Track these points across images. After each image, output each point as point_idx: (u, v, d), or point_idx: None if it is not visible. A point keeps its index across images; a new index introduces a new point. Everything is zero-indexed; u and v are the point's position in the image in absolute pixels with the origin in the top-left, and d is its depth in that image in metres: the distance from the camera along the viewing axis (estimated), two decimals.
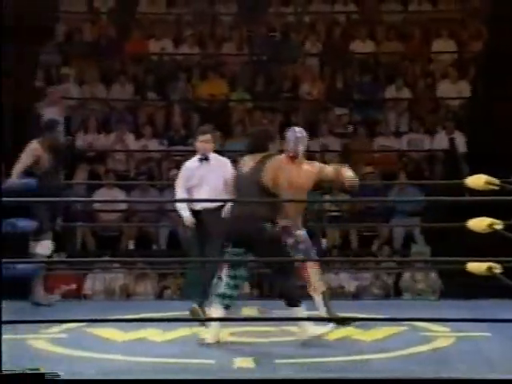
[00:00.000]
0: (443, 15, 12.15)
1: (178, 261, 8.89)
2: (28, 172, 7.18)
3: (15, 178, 7.13)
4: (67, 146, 10.23)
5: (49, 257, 7.31)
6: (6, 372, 4.35)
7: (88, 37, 11.97)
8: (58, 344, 5.64)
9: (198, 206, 6.47)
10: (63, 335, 5.87)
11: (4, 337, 5.62)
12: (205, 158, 6.52)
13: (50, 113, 10.22)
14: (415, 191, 9.86)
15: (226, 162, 6.59)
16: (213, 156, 6.57)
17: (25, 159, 7.21)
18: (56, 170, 7.39)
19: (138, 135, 10.81)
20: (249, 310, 6.73)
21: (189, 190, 6.51)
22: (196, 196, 6.48)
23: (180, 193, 6.52)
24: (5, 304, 7.05)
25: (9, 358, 5.21)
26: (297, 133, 6.10)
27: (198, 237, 6.55)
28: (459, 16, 12.11)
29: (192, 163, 6.58)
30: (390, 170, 10.37)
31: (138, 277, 9.20)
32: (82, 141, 10.69)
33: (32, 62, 11.33)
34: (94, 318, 5.89)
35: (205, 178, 6.47)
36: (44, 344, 5.66)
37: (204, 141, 6.53)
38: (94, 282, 9.12)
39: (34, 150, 7.25)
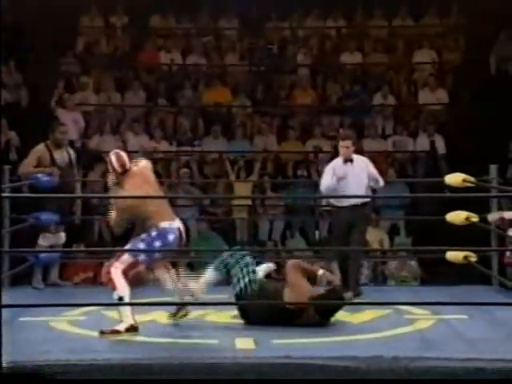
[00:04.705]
0: (424, 29, 12.13)
1: (185, 251, 8.85)
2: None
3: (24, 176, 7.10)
4: (80, 146, 10.22)
5: (64, 246, 7.29)
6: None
7: (105, 49, 11.95)
8: (76, 325, 5.60)
9: (346, 203, 6.55)
10: (82, 317, 5.83)
11: (28, 319, 5.64)
12: (349, 160, 6.57)
13: (67, 118, 10.20)
14: (400, 188, 9.81)
15: (367, 161, 6.73)
16: (355, 157, 6.64)
17: (29, 160, 7.18)
18: (70, 167, 7.32)
19: (150, 137, 10.76)
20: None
21: (335, 189, 6.56)
22: (344, 193, 6.55)
23: (327, 186, 6.57)
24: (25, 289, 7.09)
25: (32, 337, 5.21)
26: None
27: (345, 230, 6.59)
28: (439, 30, 12.09)
29: (337, 164, 6.66)
30: (377, 169, 10.32)
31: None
32: (98, 143, 10.64)
33: (55, 72, 11.30)
34: (108, 302, 5.83)
35: (351, 178, 6.54)
36: (64, 325, 5.62)
37: (345, 146, 6.61)
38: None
39: (36, 151, 7.20)
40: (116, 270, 5.30)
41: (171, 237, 5.37)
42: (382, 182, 6.78)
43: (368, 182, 6.68)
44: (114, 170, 5.49)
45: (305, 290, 5.53)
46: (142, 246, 5.36)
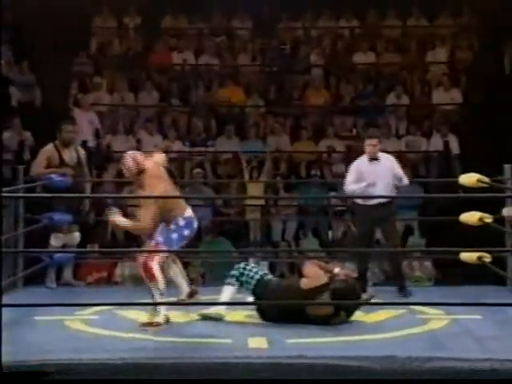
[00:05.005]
0: (437, 29, 12.12)
1: (194, 251, 8.86)
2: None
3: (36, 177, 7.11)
4: (94, 146, 10.25)
5: (78, 246, 7.32)
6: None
7: (118, 49, 11.99)
8: (90, 324, 5.63)
9: (372, 201, 6.58)
10: (95, 317, 5.86)
11: (43, 318, 5.67)
12: (375, 159, 6.61)
13: (83, 118, 10.24)
14: (413, 188, 9.78)
15: (392, 159, 6.76)
16: (381, 155, 6.69)
17: (39, 160, 7.19)
18: (79, 167, 7.31)
19: (164, 137, 10.79)
20: None
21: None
22: (371, 193, 6.58)
23: (351, 188, 6.63)
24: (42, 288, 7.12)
25: (41, 336, 5.24)
26: None
27: (369, 228, 6.63)
28: (452, 30, 12.07)
29: (362, 163, 6.69)
30: None
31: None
32: (111, 143, 10.68)
33: (67, 72, 11.35)
34: (122, 301, 5.85)
35: (377, 177, 6.58)
36: (78, 324, 5.64)
37: (372, 144, 6.65)
38: (123, 270, 9.09)
39: (45, 151, 7.21)
40: (156, 264, 5.45)
41: (195, 224, 5.62)
42: (406, 181, 6.80)
43: (393, 180, 6.68)
44: (131, 172, 5.56)
45: (321, 277, 5.57)
46: (175, 235, 5.52)
